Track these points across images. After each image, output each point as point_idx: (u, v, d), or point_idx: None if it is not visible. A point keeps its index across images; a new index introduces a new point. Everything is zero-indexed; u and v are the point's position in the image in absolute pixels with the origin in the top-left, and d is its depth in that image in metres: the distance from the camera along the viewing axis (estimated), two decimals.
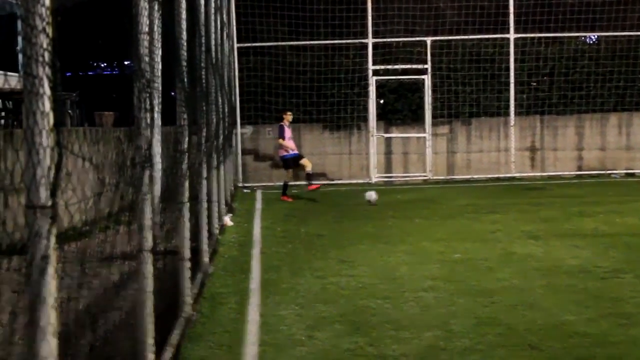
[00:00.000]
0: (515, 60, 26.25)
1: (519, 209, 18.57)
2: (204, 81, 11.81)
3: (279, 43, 26.32)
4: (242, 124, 26.08)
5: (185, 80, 8.80)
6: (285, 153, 21.44)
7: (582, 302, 9.21)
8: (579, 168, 26.83)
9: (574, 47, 27.11)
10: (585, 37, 27.80)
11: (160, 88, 7.04)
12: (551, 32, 26.59)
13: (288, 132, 21.51)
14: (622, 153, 26.84)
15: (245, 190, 24.56)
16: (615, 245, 13.13)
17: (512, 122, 26.37)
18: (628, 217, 16.47)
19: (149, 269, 6.13)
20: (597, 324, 8.28)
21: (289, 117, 21.76)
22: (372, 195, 19.99)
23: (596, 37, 27.67)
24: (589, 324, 8.28)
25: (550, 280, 10.50)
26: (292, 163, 21.50)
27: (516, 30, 26.16)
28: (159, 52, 7.05)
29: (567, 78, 26.77)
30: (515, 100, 26.30)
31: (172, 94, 8.86)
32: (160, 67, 7.06)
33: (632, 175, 26.34)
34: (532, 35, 26.47)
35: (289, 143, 21.43)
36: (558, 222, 16.11)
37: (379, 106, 26.20)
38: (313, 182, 21.34)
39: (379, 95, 26.17)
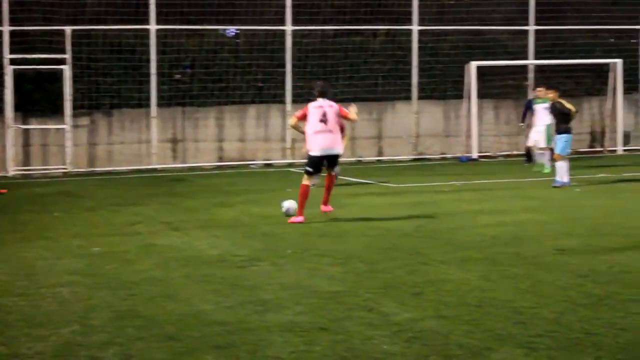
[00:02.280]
0: (157, 51, 26.33)
1: (161, 200, 18.73)
2: None
3: None
4: None
5: None
6: None
7: (220, 291, 9.44)
8: (220, 159, 27.38)
9: (214, 40, 27.65)
10: (225, 30, 28.41)
11: None
12: (192, 25, 26.92)
13: None
14: (261, 144, 27.72)
15: None
16: (252, 235, 13.59)
17: (153, 114, 26.44)
18: (265, 207, 17.05)
19: None
20: (235, 312, 8.51)
21: None
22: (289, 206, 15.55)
23: (236, 30, 28.35)
24: (226, 312, 8.49)
25: (190, 271, 10.67)
26: None
27: (157, 22, 26.25)
28: None
29: (207, 70, 27.23)
30: (157, 91, 26.39)
31: None
32: None
33: (270, 165, 27.30)
34: (173, 27, 26.67)
35: None
36: (199, 213, 16.41)
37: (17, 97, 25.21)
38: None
39: (16, 85, 25.18)
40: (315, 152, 14.72)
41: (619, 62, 29.16)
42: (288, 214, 15.14)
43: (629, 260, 10.80)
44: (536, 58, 29.55)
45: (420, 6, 28.35)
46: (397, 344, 7.29)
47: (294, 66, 27.45)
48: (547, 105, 21.61)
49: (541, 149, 23.23)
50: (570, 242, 12.27)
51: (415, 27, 28.33)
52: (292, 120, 15.13)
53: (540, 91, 23.25)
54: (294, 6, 27.35)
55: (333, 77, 27.78)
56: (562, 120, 19.66)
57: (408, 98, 28.59)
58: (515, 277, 9.90)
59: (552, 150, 21.69)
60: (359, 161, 28.00)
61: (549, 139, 22.21)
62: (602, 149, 30.04)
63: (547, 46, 29.92)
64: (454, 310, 8.37)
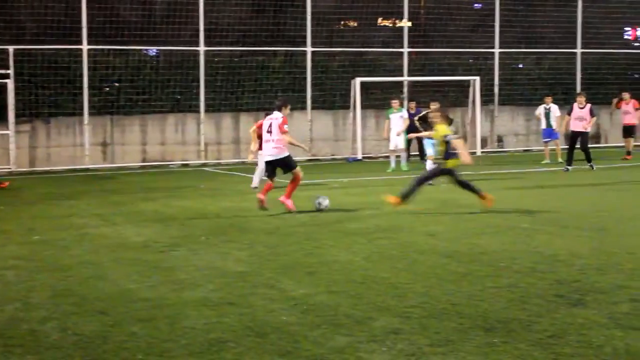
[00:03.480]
0: (89, 68, 25.84)
1: (93, 195, 18.38)
2: None
3: None
4: None
5: None
6: None
7: (143, 273, 9.31)
8: (144, 160, 27.01)
9: (138, 58, 27.28)
10: (147, 50, 28.09)
11: None
12: (119, 45, 26.51)
13: None
14: (179, 147, 27.44)
15: None
16: (172, 224, 13.42)
17: (86, 121, 25.94)
18: (184, 201, 16.89)
19: None
20: (156, 290, 8.41)
21: None
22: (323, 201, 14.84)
23: (157, 50, 28.10)
24: (149, 290, 8.39)
25: (118, 255, 10.50)
26: None
27: (89, 42, 25.77)
28: None
29: (132, 84, 26.82)
30: (89, 102, 25.91)
31: None
32: None
33: (187, 165, 27.05)
34: (103, 47, 26.24)
35: None
36: (126, 206, 16.14)
37: None
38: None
39: None
40: (264, 157, 14.75)
41: (477, 79, 29.70)
42: (320, 208, 14.61)
43: (486, 243, 10.99)
44: (409, 75, 29.91)
45: (313, 31, 28.41)
46: (294, 315, 7.30)
47: (206, 81, 27.24)
48: (401, 114, 23.32)
49: (399, 150, 23.72)
50: (438, 228, 12.44)
51: (309, 49, 28.38)
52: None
53: (395, 103, 23.82)
54: (206, 30, 27.16)
55: (239, 91, 27.73)
56: None
57: (303, 108, 28.60)
58: (393, 258, 9.99)
59: (409, 151, 23.90)
60: None
61: (406, 142, 23.39)
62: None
63: (418, 65, 30.35)
64: (342, 286, 8.41)
